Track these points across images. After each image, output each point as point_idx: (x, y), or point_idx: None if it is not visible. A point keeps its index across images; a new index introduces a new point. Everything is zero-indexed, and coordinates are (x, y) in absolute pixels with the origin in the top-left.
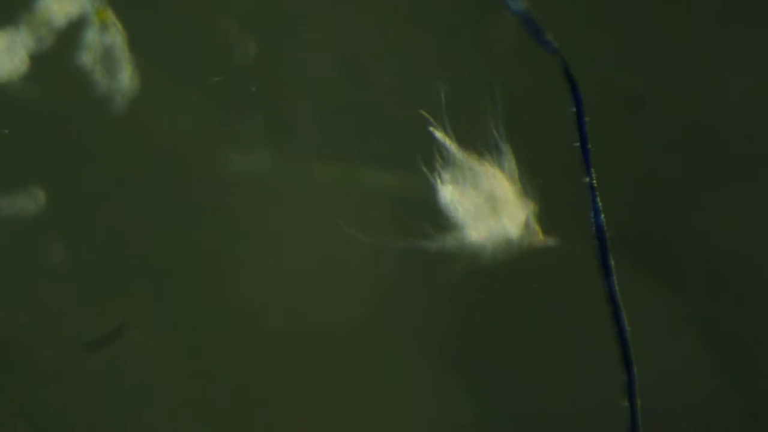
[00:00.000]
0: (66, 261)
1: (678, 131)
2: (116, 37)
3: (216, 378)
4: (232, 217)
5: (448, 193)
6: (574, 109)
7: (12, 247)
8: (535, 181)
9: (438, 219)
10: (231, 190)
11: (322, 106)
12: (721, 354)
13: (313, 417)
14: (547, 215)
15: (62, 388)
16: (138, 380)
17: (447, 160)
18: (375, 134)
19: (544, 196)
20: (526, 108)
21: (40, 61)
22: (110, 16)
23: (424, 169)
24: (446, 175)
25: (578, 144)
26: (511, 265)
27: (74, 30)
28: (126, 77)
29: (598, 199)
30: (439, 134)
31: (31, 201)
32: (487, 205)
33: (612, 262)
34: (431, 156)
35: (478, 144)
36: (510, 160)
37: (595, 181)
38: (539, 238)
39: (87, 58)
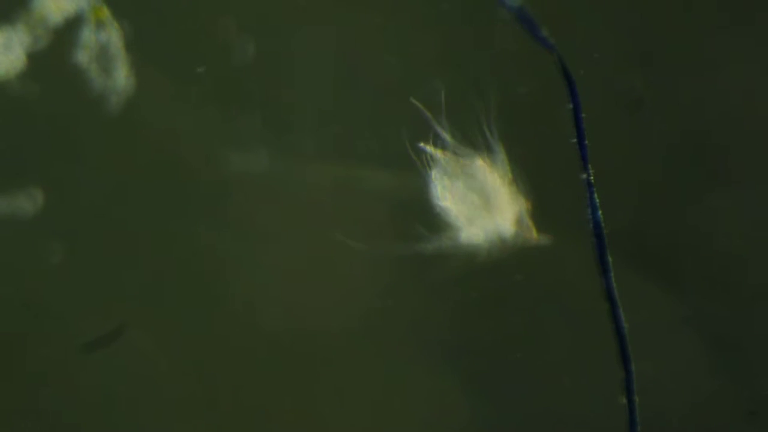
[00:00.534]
0: (64, 260)
1: (677, 130)
2: (112, 35)
3: (215, 379)
4: (230, 217)
5: (443, 192)
6: (571, 106)
7: (9, 247)
8: (532, 179)
9: (435, 219)
10: (229, 190)
11: (321, 106)
12: (720, 353)
13: (312, 418)
14: (545, 213)
15: (62, 388)
16: (137, 380)
17: (443, 158)
18: (373, 134)
19: (541, 194)
20: (523, 106)
21: (36, 60)
22: (106, 13)
23: (421, 168)
24: (442, 174)
25: (575, 140)
26: (508, 264)
27: (70, 28)
28: (122, 76)
29: (596, 195)
30: (435, 132)
31: (28, 200)
32: (482, 203)
33: (609, 259)
34: (428, 155)
35: (474, 142)
36: (505, 159)
37: (592, 178)
38: (533, 235)
39: (83, 56)
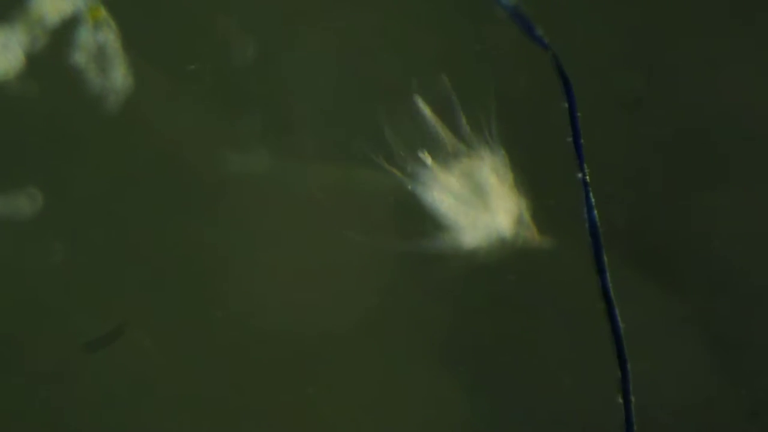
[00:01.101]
0: (63, 260)
1: (674, 129)
2: (110, 35)
3: (215, 378)
4: (230, 217)
5: (442, 192)
6: (566, 105)
7: (9, 247)
8: (530, 178)
9: (434, 219)
10: (229, 190)
11: (321, 106)
12: (720, 353)
13: (312, 417)
14: (543, 213)
15: (62, 388)
16: (137, 380)
17: (442, 159)
18: (373, 134)
19: (539, 193)
20: (521, 105)
21: (34, 60)
22: (103, 13)
23: (421, 168)
24: (441, 174)
25: (571, 139)
26: (507, 264)
27: (68, 28)
28: (120, 75)
29: (591, 194)
30: (434, 132)
31: (27, 200)
32: (481, 203)
33: (606, 259)
34: (427, 156)
35: (473, 142)
36: (504, 158)
37: (588, 177)
38: (534, 235)
39: (81, 56)
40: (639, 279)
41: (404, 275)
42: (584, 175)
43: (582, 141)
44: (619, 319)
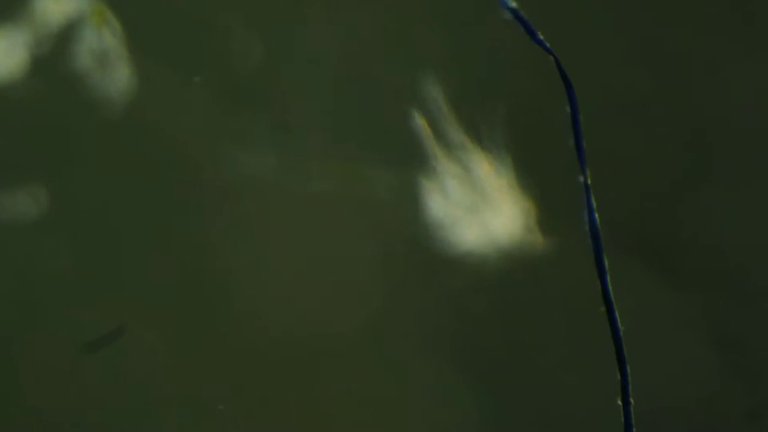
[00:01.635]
0: (67, 261)
1: (676, 130)
2: (114, 37)
3: (217, 379)
4: (234, 218)
5: (445, 194)
6: (569, 108)
7: (12, 248)
8: (533, 180)
9: (437, 221)
10: (232, 190)
11: (324, 107)
12: (720, 353)
13: (316, 418)
14: (544, 215)
15: (62, 388)
16: (138, 381)
17: (445, 160)
18: (376, 134)
19: (540, 195)
20: (523, 107)
21: (38, 61)
22: (108, 15)
23: (424, 170)
24: (444, 176)
25: (573, 142)
26: (509, 267)
27: (72, 30)
28: (124, 77)
29: (593, 197)
30: (438, 134)
31: (30, 201)
32: (483, 205)
33: (606, 261)
34: (429, 156)
35: (476, 144)
36: (507, 160)
37: (589, 180)
38: (536, 237)
39: (85, 57)
40: (640, 279)
41: (407, 277)
42: (585, 178)
43: (584, 143)
44: (618, 321)
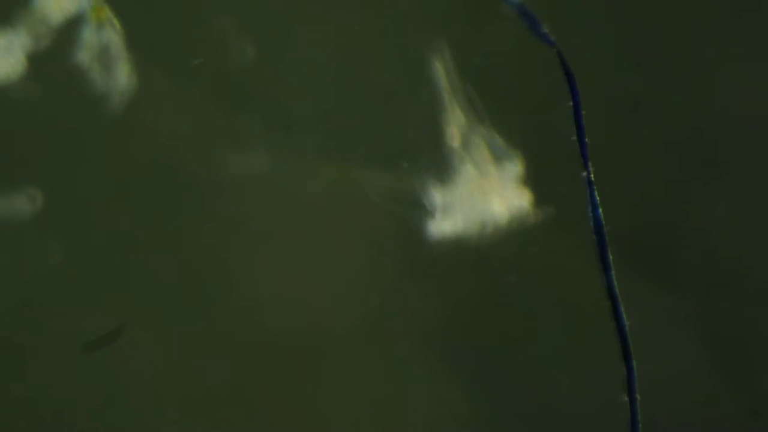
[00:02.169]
0: (63, 261)
1: (677, 129)
2: (114, 35)
3: (215, 378)
4: (231, 217)
5: (442, 192)
6: (571, 103)
7: (9, 248)
8: (532, 175)
9: (436, 218)
10: (229, 190)
11: (321, 107)
12: (721, 352)
13: (312, 417)
14: (545, 212)
15: (61, 388)
16: (137, 380)
17: (443, 157)
18: (373, 134)
19: (542, 192)
20: (523, 103)
21: (37, 60)
22: (108, 13)
23: (421, 168)
24: (442, 174)
25: (575, 138)
26: (508, 262)
27: (71, 28)
28: (123, 76)
29: (596, 192)
30: (435, 131)
31: (28, 201)
32: (483, 202)
33: (610, 257)
34: (428, 154)
35: (475, 141)
36: (506, 156)
37: (593, 176)
38: (537, 234)
39: (84, 56)
40: (639, 278)
41: (404, 275)
42: (589, 173)
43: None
44: (624, 317)
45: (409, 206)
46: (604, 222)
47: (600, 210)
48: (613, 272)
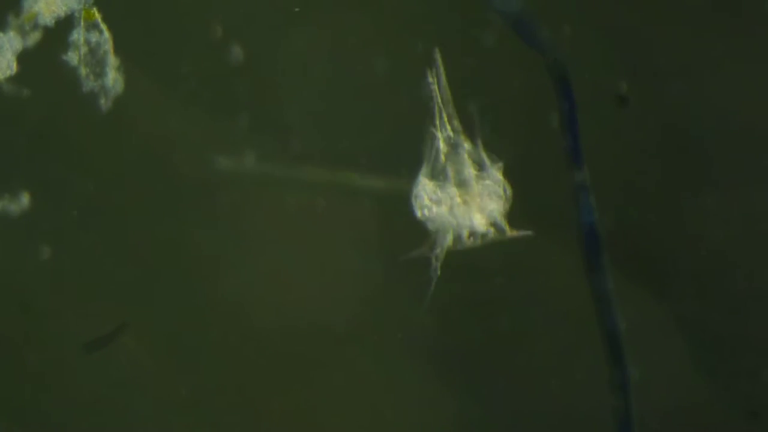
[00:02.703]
0: (52, 262)
1: (668, 131)
2: (103, 37)
3: (207, 380)
4: (221, 219)
5: (433, 194)
6: (565, 108)
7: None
8: (522, 180)
9: (426, 221)
10: (220, 191)
11: (311, 108)
12: (720, 353)
13: (303, 419)
14: (538, 216)
15: (54, 390)
16: (130, 381)
17: (433, 159)
18: (363, 137)
19: (534, 196)
20: (514, 106)
21: (26, 61)
22: (97, 15)
23: (412, 170)
24: (432, 176)
25: (567, 143)
26: (497, 266)
27: (60, 30)
28: (112, 77)
29: (590, 196)
30: (426, 134)
31: (17, 202)
32: (473, 205)
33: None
34: (418, 156)
35: (465, 143)
36: (496, 159)
37: (586, 180)
38: (525, 237)
39: (73, 58)
40: (632, 280)
41: (394, 278)
42: (583, 178)
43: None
44: (618, 321)
45: (398, 208)
46: (597, 225)
47: (593, 213)
48: (606, 275)
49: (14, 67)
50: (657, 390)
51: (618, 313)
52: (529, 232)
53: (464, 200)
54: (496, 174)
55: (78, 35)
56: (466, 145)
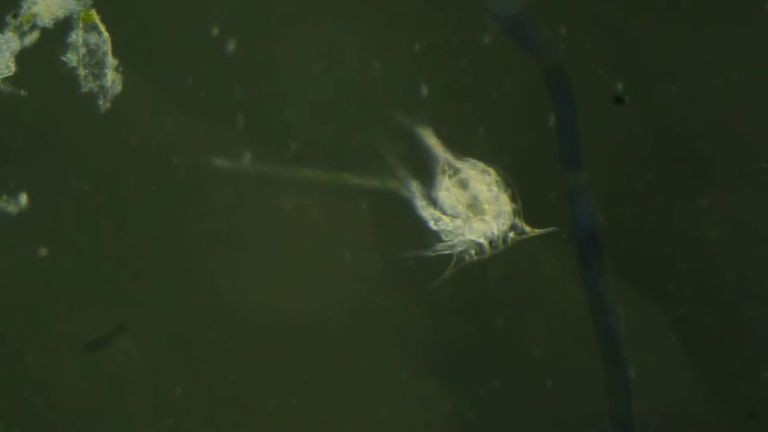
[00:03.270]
0: (50, 263)
1: (666, 133)
2: (101, 39)
3: (202, 380)
4: (217, 221)
5: (428, 197)
6: (563, 109)
7: None
8: (519, 182)
9: (422, 223)
10: (216, 193)
11: (309, 109)
12: (720, 353)
13: (300, 420)
14: (536, 219)
15: (52, 390)
16: (126, 382)
17: (429, 163)
18: (359, 139)
19: (532, 199)
20: (509, 109)
21: (24, 63)
22: (95, 17)
23: (407, 174)
24: (427, 179)
25: (566, 146)
26: (495, 266)
27: (59, 31)
28: (110, 78)
29: (588, 199)
30: (424, 138)
31: (14, 203)
32: (469, 207)
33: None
34: (414, 160)
35: (461, 147)
36: (492, 161)
37: (584, 182)
38: (523, 238)
39: (71, 59)
40: (629, 281)
41: (389, 279)
42: (582, 178)
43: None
44: (618, 323)
45: (392, 210)
46: (594, 227)
47: (591, 214)
48: (603, 276)
49: (12, 68)
50: (655, 390)
51: (615, 314)
52: (554, 228)
53: (476, 209)
54: (497, 176)
55: (77, 36)
56: (463, 139)
